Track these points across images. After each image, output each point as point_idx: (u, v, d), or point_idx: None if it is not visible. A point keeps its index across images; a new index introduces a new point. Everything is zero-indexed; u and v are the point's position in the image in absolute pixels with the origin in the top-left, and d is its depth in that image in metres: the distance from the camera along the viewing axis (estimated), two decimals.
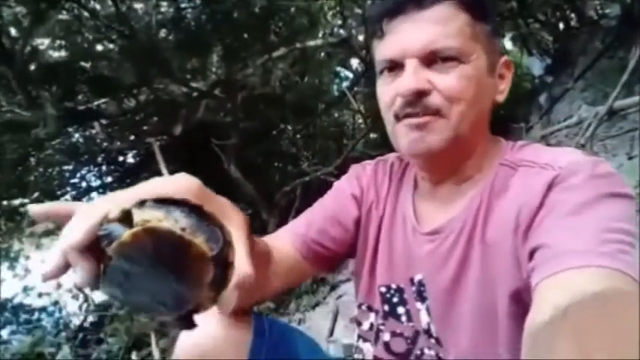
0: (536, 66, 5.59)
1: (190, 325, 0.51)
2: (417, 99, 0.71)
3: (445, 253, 0.75)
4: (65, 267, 0.47)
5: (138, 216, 0.46)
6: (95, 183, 5.65)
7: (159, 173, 4.69)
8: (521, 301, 0.64)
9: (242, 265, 0.49)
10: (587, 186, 0.62)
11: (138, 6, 4.22)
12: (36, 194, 4.80)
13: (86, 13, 3.78)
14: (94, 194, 5.65)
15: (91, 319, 4.25)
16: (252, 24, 4.16)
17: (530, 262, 0.60)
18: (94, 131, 4.73)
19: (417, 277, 0.80)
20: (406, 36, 0.71)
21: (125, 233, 0.44)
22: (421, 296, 0.79)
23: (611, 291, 0.49)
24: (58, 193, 5.04)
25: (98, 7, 3.93)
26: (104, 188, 5.61)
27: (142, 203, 0.47)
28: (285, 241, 0.89)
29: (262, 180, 5.40)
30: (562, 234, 0.59)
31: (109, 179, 5.60)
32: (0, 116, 3.51)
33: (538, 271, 0.57)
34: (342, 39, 5.05)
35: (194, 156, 4.84)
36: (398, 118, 0.74)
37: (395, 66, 0.73)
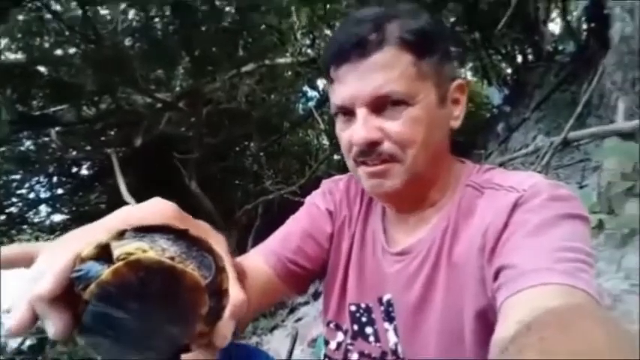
0: (495, 96, 5.84)
1: None
2: (369, 148, 0.72)
3: (412, 273, 0.75)
4: (33, 319, 0.41)
5: (118, 249, 0.40)
6: (45, 194, 5.38)
7: (114, 186, 4.52)
8: (486, 321, 0.65)
9: (235, 291, 0.46)
10: (547, 207, 0.64)
11: (104, 12, 4.12)
12: None
13: (49, 15, 3.65)
14: (42, 207, 5.39)
15: (29, 342, 3.98)
16: (222, 38, 4.15)
17: (495, 281, 0.61)
18: (47, 139, 4.52)
19: (386, 297, 0.79)
20: (353, 85, 0.72)
21: (105, 271, 0.39)
22: (389, 316, 0.78)
23: (570, 306, 0.51)
24: (4, 203, 4.76)
25: (60, 9, 3.80)
26: (54, 200, 5.37)
27: (120, 235, 0.42)
28: (258, 262, 0.85)
29: (223, 197, 5.31)
30: (524, 254, 0.60)
31: (60, 191, 5.35)
32: None
33: (503, 290, 0.58)
34: (310, 59, 5.11)
35: (153, 169, 4.71)
36: (356, 162, 0.75)
37: (347, 112, 0.74)
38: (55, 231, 5.26)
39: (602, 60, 2.97)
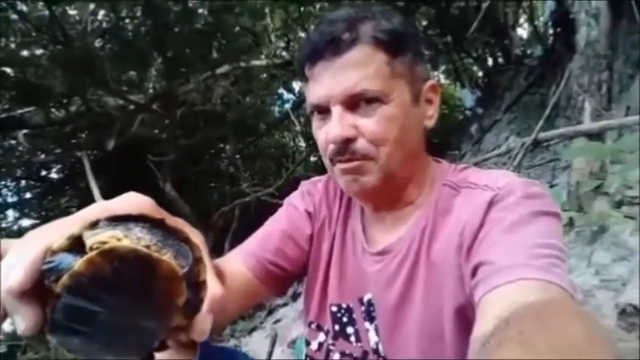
0: (467, 98, 5.95)
1: None
2: (344, 146, 0.72)
3: (392, 273, 0.76)
4: (2, 316, 0.40)
5: (91, 239, 0.38)
6: (12, 199, 5.20)
7: (86, 190, 4.41)
8: (465, 318, 0.66)
9: (213, 284, 0.45)
10: (522, 205, 0.66)
11: (72, 12, 4.02)
12: None
13: (14, 15, 3.54)
14: (9, 212, 5.21)
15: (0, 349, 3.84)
16: (195, 39, 4.10)
17: (473, 278, 0.62)
18: (14, 142, 4.37)
19: (367, 297, 0.79)
20: (328, 83, 0.72)
21: (77, 262, 0.37)
22: (370, 316, 0.79)
23: (547, 300, 0.53)
24: None
25: (26, 9, 3.68)
26: (22, 205, 5.20)
27: (93, 225, 0.40)
28: (237, 264, 0.85)
29: (199, 199, 5.24)
30: (501, 250, 0.62)
31: (29, 195, 5.19)
32: None
33: (480, 287, 0.60)
34: (285, 61, 5.10)
35: (127, 172, 4.62)
36: (332, 161, 0.76)
37: (322, 110, 0.75)
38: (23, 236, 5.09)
39: (568, 63, 3.07)
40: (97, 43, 4.07)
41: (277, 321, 3.22)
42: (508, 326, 0.46)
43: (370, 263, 0.79)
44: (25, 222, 5.41)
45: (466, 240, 0.67)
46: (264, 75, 5.32)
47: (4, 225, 5.16)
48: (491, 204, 0.67)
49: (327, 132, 0.73)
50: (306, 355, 0.87)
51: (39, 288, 0.38)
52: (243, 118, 4.95)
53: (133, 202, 0.48)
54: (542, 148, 3.08)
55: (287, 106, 5.96)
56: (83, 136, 4.26)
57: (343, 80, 0.71)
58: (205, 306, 0.43)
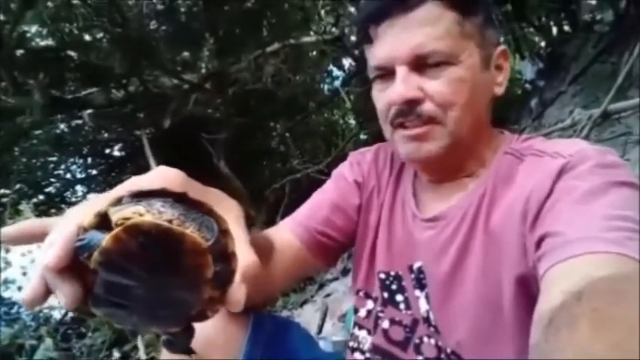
0: (527, 70, 5.63)
1: (192, 335, 0.46)
2: (409, 108, 0.69)
3: (446, 241, 0.74)
4: (46, 292, 0.42)
5: (115, 215, 0.40)
6: (80, 175, 5.55)
7: (146, 167, 4.62)
8: (527, 289, 0.63)
9: (245, 253, 0.45)
10: (595, 174, 0.62)
11: None
12: (18, 185, 4.71)
13: (76, 0, 3.70)
14: (78, 187, 5.56)
15: (71, 313, 4.15)
16: (246, 18, 4.12)
17: (538, 250, 0.59)
18: (79, 122, 4.63)
19: (417, 265, 0.78)
20: (394, 42, 0.69)
21: (105, 238, 0.38)
22: (420, 284, 0.77)
23: (622, 275, 0.49)
24: (42, 184, 4.94)
25: None
26: (89, 180, 5.53)
27: (117, 201, 0.41)
28: (286, 233, 0.86)
29: (251, 176, 5.36)
30: (570, 221, 0.58)
31: (95, 172, 5.51)
32: None
33: (546, 259, 0.56)
34: (335, 37, 5.03)
35: (183, 150, 4.78)
36: (393, 126, 0.73)
37: (386, 73, 0.71)
38: None
39: None
40: (152, 25, 4.19)
41: (328, 295, 3.24)
42: (580, 302, 0.43)
43: (421, 230, 0.78)
44: (92, 196, 5.79)
45: (531, 209, 0.63)
46: (314, 52, 5.28)
47: (73, 199, 5.53)
48: (561, 172, 0.63)
49: (390, 94, 0.70)
50: (355, 323, 0.86)
51: (78, 264, 0.40)
52: (293, 96, 4.96)
53: (161, 175, 0.48)
54: (613, 120, 2.86)
55: (337, 83, 5.91)
56: (141, 115, 4.44)
57: (410, 39, 0.67)
58: (238, 277, 0.43)
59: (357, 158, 0.91)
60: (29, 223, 0.48)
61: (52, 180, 5.14)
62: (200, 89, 4.36)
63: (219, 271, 0.41)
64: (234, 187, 4.57)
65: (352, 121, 5.75)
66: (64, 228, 0.42)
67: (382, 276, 0.83)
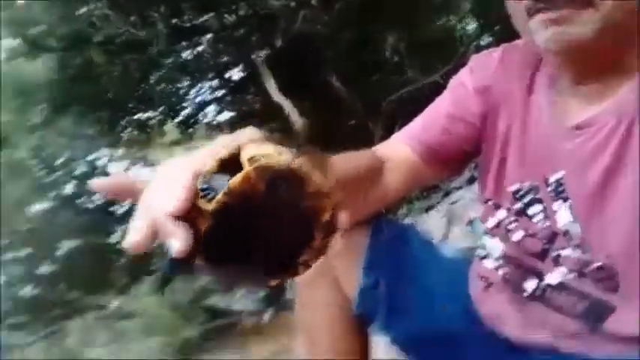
0: None
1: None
2: None
3: (595, 149, 0.67)
4: (152, 239, 0.41)
5: (247, 154, 0.38)
6: (210, 97, 6.02)
7: (264, 87, 4.84)
8: None
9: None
10: None
11: None
12: (161, 108, 5.34)
13: None
14: (209, 108, 6.06)
15: None
16: None
17: None
18: (200, 49, 4.95)
19: (556, 175, 0.72)
20: None
21: (234, 177, 0.37)
22: (559, 195, 0.72)
23: None
24: (177, 108, 5.51)
25: None
26: (218, 102, 5.98)
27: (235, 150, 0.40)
28: (401, 147, 0.84)
29: (366, 91, 5.28)
30: None
31: (221, 93, 5.93)
32: (119, 37, 3.83)
33: None
34: None
35: (295, 68, 4.86)
36: (530, 13, 0.63)
37: None
38: (222, 129, 5.97)
39: None
40: None
41: (453, 202, 3.14)
42: None
43: (563, 139, 0.71)
44: (223, 116, 6.28)
45: None
46: None
47: (205, 121, 6.09)
48: None
49: None
50: (484, 232, 0.84)
51: (188, 214, 0.40)
52: (402, 4, 4.63)
53: (251, 136, 0.48)
54: None
55: None
56: (254, 38, 4.58)
57: None
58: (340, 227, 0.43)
59: (480, 60, 0.84)
60: (117, 177, 0.53)
61: (186, 104, 5.70)
62: (307, 6, 4.31)
63: (329, 219, 0.41)
64: (348, 102, 4.60)
65: (470, 27, 5.21)
66: (180, 175, 0.41)
67: (514, 187, 0.78)
